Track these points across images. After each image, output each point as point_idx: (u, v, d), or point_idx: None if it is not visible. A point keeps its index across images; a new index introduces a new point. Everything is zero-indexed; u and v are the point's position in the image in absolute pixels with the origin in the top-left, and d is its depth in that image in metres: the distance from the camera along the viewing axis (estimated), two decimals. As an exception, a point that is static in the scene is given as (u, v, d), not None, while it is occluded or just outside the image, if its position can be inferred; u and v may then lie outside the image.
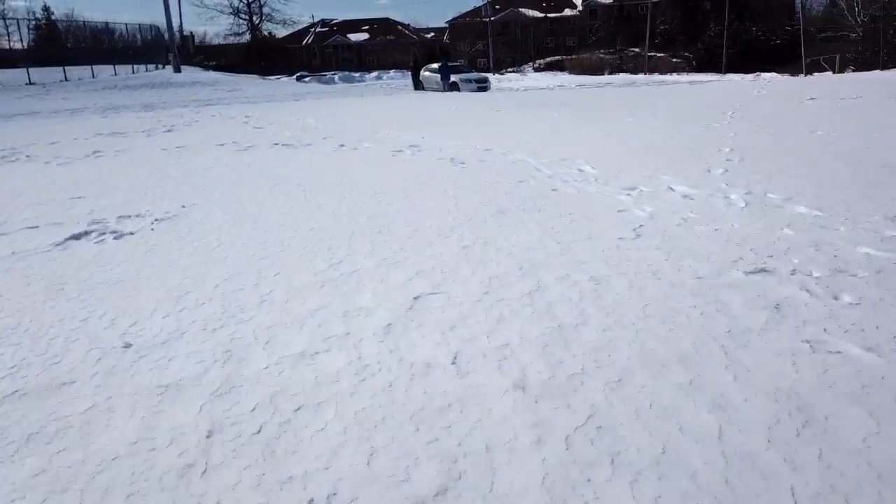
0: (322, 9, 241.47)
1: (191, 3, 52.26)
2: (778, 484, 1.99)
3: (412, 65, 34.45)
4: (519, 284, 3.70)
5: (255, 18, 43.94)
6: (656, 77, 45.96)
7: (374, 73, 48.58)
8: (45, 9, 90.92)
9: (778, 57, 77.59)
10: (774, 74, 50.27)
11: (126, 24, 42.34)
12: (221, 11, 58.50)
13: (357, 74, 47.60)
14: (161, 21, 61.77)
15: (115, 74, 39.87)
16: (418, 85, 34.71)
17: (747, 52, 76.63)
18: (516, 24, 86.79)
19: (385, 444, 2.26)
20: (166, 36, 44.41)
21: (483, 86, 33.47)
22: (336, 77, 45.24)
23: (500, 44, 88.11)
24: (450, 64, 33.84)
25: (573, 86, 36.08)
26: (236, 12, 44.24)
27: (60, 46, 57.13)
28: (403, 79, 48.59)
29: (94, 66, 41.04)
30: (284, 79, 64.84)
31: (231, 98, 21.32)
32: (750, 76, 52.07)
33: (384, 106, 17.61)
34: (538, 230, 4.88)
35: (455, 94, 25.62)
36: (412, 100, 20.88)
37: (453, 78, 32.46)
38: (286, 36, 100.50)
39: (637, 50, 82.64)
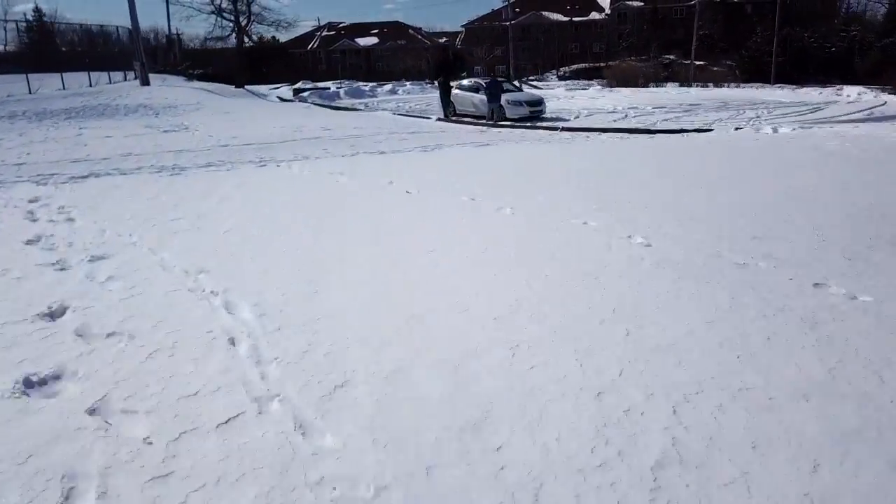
0: (323, 11, 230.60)
1: (159, -2, 41.79)
2: None
3: (441, 80, 25.10)
4: None
5: (241, 19, 34.14)
6: (739, 93, 36.23)
7: (388, 86, 39.02)
8: (36, 10, 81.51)
9: (831, 66, 67.93)
10: (862, 88, 40.51)
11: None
12: (199, 10, 48.53)
13: (367, 87, 38.03)
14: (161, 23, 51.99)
15: (63, 88, 30.54)
16: (448, 106, 25.30)
17: (798, 60, 66.95)
18: (538, 28, 77.10)
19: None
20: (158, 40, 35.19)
21: (536, 110, 24.02)
22: (341, 91, 35.68)
23: (521, 49, 78.49)
24: (499, 80, 24.39)
25: (650, 108, 26.60)
26: (218, 11, 34.57)
27: (53, 51, 48.00)
28: (422, 93, 39.06)
29: (50, 76, 32.10)
30: (283, 88, 55.27)
31: (154, 151, 11.91)
32: (827, 89, 42.50)
33: (436, 196, 7.95)
34: None
35: (568, 152, 16.01)
36: (489, 165, 11.23)
37: (501, 99, 23.11)
38: (290, 40, 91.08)
39: (671, 57, 73.01)
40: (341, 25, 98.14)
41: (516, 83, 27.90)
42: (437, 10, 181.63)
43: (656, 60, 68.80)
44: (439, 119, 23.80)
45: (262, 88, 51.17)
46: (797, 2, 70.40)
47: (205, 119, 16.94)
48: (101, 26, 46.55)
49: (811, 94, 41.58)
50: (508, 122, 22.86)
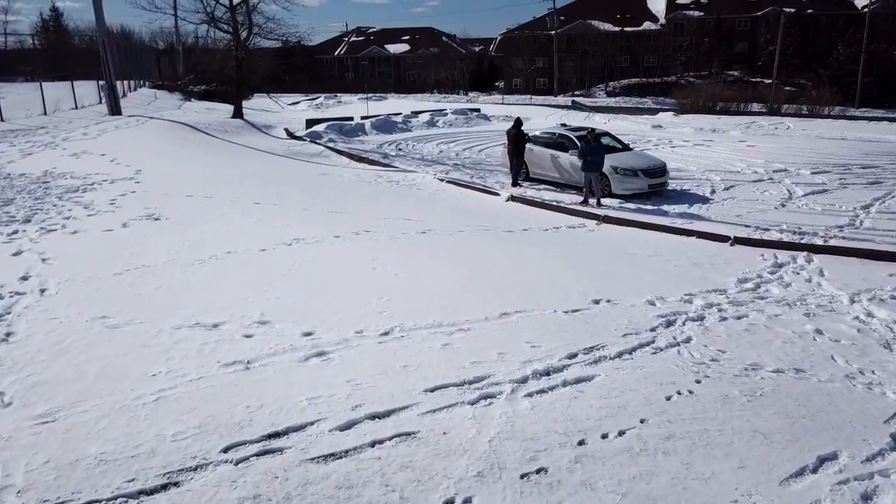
0: (348, 15, 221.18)
1: (132, 2, 31.61)
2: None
3: (513, 132, 16.36)
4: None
5: (241, 31, 25.46)
6: (872, 132, 26.23)
7: (425, 115, 30.20)
8: (53, 9, 73.66)
9: (923, 89, 57.79)
10: None
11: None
12: (184, 19, 40.39)
13: (398, 117, 29.26)
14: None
15: (1, 119, 22.21)
16: (520, 168, 16.57)
17: (886, 82, 56.96)
18: (585, 38, 67.71)
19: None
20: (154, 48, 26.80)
21: (658, 182, 15.13)
22: (367, 125, 26.97)
23: (564, 61, 69.30)
24: (598, 134, 15.38)
25: (806, 172, 17.46)
26: (212, 21, 25.89)
27: (68, 53, 40.17)
28: (467, 125, 30.22)
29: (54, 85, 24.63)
30: (302, 104, 46.54)
31: None
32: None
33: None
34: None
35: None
36: None
37: (605, 164, 14.28)
38: (317, 45, 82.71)
39: (735, 73, 63.34)
40: (370, 31, 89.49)
41: (609, 134, 18.43)
42: (471, 16, 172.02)
43: (719, 77, 59.28)
44: (511, 198, 14.94)
45: (280, 103, 42.60)
46: (876, 16, 60.26)
47: (88, 260, 8.19)
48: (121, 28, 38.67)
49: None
50: (615, 201, 14.11)
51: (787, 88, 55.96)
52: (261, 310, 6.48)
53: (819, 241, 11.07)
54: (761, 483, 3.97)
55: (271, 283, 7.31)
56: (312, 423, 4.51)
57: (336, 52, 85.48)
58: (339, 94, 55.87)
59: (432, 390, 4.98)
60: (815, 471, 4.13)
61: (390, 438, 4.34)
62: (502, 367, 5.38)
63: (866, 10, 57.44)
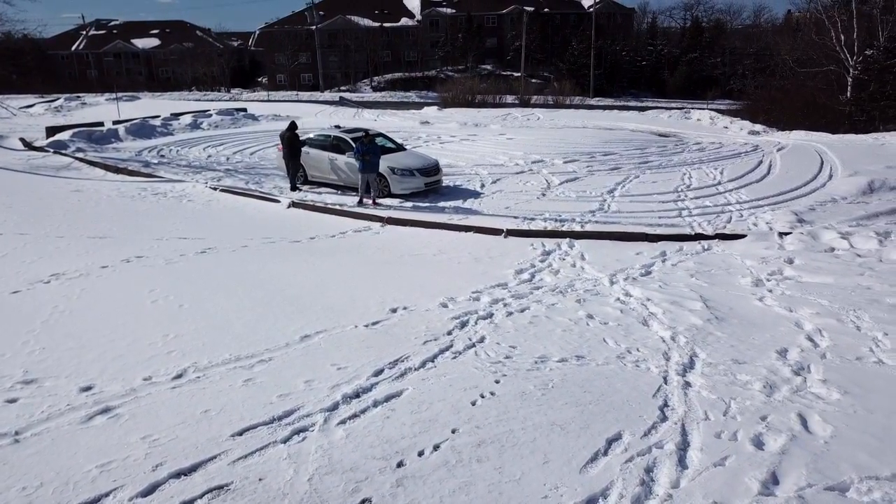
0: (80, 6, 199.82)
1: None
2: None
3: (286, 135, 15.91)
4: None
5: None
6: (603, 119, 29.50)
7: (187, 118, 28.25)
8: None
9: (642, 80, 66.74)
10: (713, 113, 36.87)
11: None
12: None
13: (157, 121, 27.06)
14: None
15: None
16: (297, 171, 16.23)
17: (612, 73, 64.74)
18: (347, 33, 68.04)
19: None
20: None
21: (433, 181, 15.77)
22: (121, 130, 24.53)
23: (328, 56, 69.12)
24: (372, 134, 15.64)
25: (559, 161, 19.27)
26: None
27: None
28: (234, 125, 28.86)
29: None
30: (37, 107, 41.05)
31: None
32: (675, 112, 38.39)
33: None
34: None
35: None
36: None
37: (382, 165, 14.60)
38: (49, 39, 73.46)
39: (489, 67, 67.84)
40: (113, 24, 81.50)
41: (381, 133, 18.73)
42: (225, 9, 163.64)
43: (474, 71, 63.13)
44: (292, 204, 14.60)
45: (10, 107, 37.19)
46: (600, 14, 68.30)
47: None
48: None
49: (660, 117, 37.40)
50: (395, 201, 14.47)
51: (534, 81, 61.36)
52: (23, 367, 5.65)
53: (577, 227, 12.27)
54: (565, 474, 4.34)
55: (32, 333, 6.40)
56: (107, 495, 4.04)
57: (73, 48, 76.67)
58: (82, 95, 50.26)
59: (240, 433, 4.73)
60: (605, 453, 4.61)
61: (201, 496, 4.05)
62: (311, 397, 5.27)
63: (591, 9, 64.77)
